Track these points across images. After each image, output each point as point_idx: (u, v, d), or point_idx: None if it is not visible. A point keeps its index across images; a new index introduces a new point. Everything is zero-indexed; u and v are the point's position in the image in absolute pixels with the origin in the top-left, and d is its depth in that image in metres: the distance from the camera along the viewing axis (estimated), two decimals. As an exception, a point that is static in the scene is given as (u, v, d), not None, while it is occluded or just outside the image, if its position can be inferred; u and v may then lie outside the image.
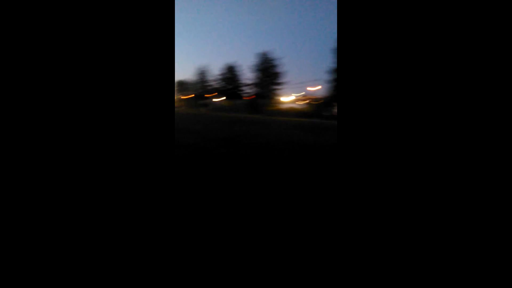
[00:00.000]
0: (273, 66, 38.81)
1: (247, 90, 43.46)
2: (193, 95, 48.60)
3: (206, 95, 46.81)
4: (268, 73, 39.12)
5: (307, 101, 36.20)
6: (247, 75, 54.67)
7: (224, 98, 44.48)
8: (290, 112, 34.76)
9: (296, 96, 39.09)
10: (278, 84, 38.83)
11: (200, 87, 48.19)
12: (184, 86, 51.63)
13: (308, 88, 37.93)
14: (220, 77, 45.51)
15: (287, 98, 38.57)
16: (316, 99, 34.77)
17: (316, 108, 33.11)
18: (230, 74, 44.85)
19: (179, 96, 51.45)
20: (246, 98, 42.96)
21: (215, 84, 46.42)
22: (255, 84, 41.14)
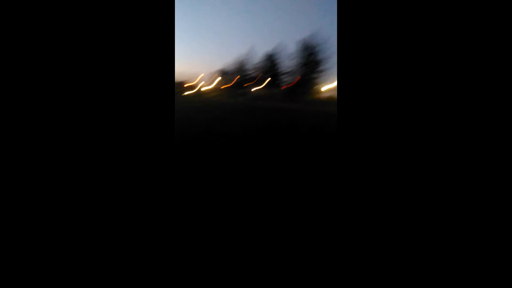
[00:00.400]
0: (315, 53, 37.43)
1: (286, 78, 42.71)
2: (232, 85, 49.18)
3: (245, 84, 47.03)
4: (309, 61, 37.89)
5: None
6: (287, 63, 53.59)
7: (263, 87, 44.29)
8: (331, 101, 33.40)
9: (338, 84, 37.23)
10: (320, 71, 37.47)
11: (240, 76, 48.56)
12: (226, 74, 52.43)
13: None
14: (259, 65, 45.30)
15: (330, 85, 37.05)
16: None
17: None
18: (270, 63, 44.37)
19: (218, 86, 52.44)
20: (285, 86, 42.28)
21: (254, 73, 46.39)
22: (295, 72, 40.22)
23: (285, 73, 42.54)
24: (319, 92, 37.36)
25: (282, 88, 42.41)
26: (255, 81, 45.33)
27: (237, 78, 48.36)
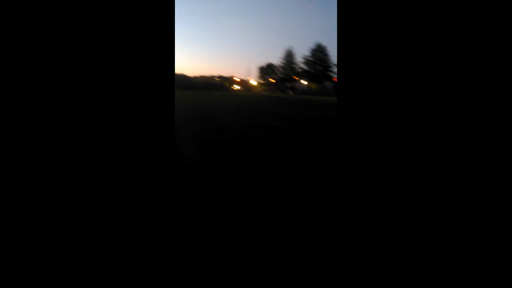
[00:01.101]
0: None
1: (336, 71, 40.78)
2: (280, 78, 48.74)
3: (293, 78, 46.23)
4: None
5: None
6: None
7: (312, 80, 42.98)
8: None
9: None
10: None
11: (288, 69, 47.75)
12: (272, 69, 52.17)
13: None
14: (308, 58, 43.90)
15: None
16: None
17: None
18: (319, 55, 42.74)
19: (266, 80, 52.47)
20: (335, 79, 40.52)
21: (303, 66, 45.19)
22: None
23: (336, 65, 40.58)
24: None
25: (333, 80, 40.70)
26: (304, 74, 44.20)
27: (286, 71, 47.63)
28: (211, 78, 57.34)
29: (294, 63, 46.99)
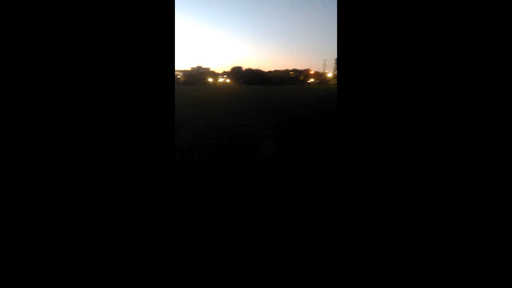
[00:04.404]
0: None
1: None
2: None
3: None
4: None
5: None
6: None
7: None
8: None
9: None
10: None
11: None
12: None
13: None
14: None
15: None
16: None
17: None
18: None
19: (334, 73, 49.67)
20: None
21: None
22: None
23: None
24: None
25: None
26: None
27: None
28: (286, 72, 57.35)
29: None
